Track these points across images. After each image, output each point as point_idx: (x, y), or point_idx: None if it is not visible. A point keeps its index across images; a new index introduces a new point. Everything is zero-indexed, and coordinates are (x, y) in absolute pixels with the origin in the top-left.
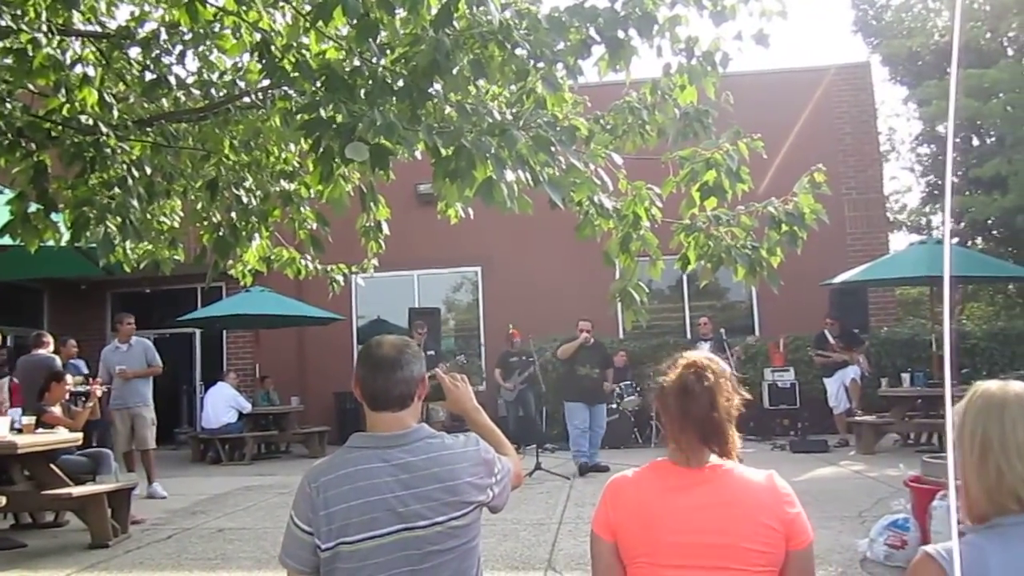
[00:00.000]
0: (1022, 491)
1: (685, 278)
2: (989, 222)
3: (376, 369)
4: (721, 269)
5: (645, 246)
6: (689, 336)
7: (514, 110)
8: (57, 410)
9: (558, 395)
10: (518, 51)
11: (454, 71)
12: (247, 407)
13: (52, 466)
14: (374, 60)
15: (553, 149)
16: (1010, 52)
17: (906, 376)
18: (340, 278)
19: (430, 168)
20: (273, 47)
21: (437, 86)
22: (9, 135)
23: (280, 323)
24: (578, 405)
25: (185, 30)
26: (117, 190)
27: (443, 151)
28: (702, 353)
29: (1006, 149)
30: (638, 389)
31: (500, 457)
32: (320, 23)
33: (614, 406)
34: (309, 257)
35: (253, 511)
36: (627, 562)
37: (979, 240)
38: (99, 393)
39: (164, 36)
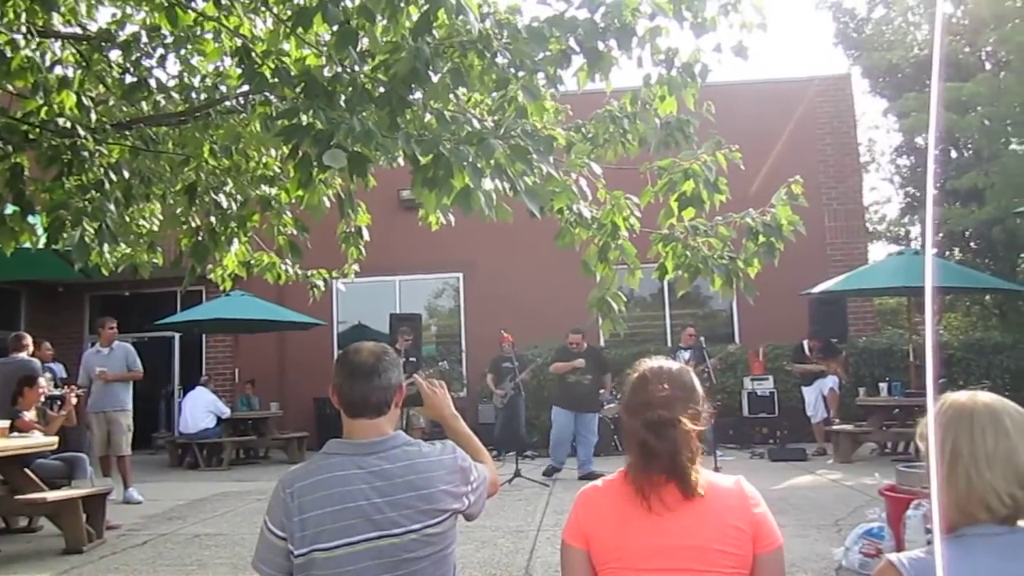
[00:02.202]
0: (991, 500)
1: (666, 286)
2: (966, 234)
3: (353, 376)
4: (700, 279)
5: (623, 255)
6: (670, 344)
7: (495, 118)
8: (31, 415)
9: (538, 402)
10: (498, 60)
11: (434, 79)
12: (226, 412)
13: (26, 470)
14: (354, 67)
15: (531, 158)
16: (987, 66)
17: (883, 386)
18: (320, 283)
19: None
20: (253, 53)
21: (417, 94)
22: None
23: (260, 328)
24: (562, 411)
25: (166, 33)
26: (94, 193)
27: (421, 159)
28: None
29: (983, 162)
30: (618, 397)
31: (476, 465)
32: (300, 29)
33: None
34: (289, 262)
35: (230, 517)
36: (599, 568)
37: (956, 251)
38: (74, 400)
39: (145, 39)
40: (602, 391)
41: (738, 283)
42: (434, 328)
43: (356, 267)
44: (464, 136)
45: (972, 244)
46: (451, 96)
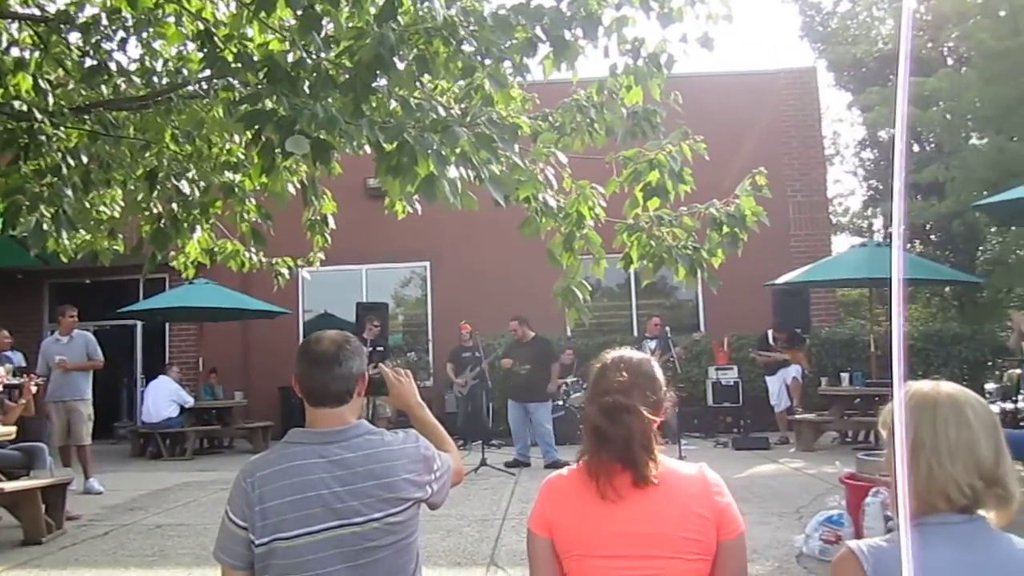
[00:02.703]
0: (951, 491)
1: (633, 276)
2: (927, 227)
3: (314, 365)
4: (664, 269)
5: (588, 245)
6: (636, 333)
7: (463, 105)
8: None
9: (504, 391)
10: (464, 47)
11: (399, 66)
12: (189, 401)
13: None
14: (318, 53)
15: (496, 147)
16: (950, 61)
17: (845, 375)
18: (285, 271)
19: None
20: (215, 37)
21: (382, 81)
22: None
23: (224, 316)
24: (511, 403)
25: (127, 16)
26: (51, 178)
27: (386, 146)
28: (626, 364)
29: (944, 156)
30: (584, 386)
31: (440, 454)
32: (263, 14)
33: (560, 403)
34: (253, 250)
35: (193, 507)
36: (562, 556)
37: (917, 244)
38: (33, 390)
39: (105, 21)
40: (557, 382)
41: (702, 273)
42: (401, 317)
43: (322, 255)
44: (429, 124)
45: (932, 237)
46: (416, 83)
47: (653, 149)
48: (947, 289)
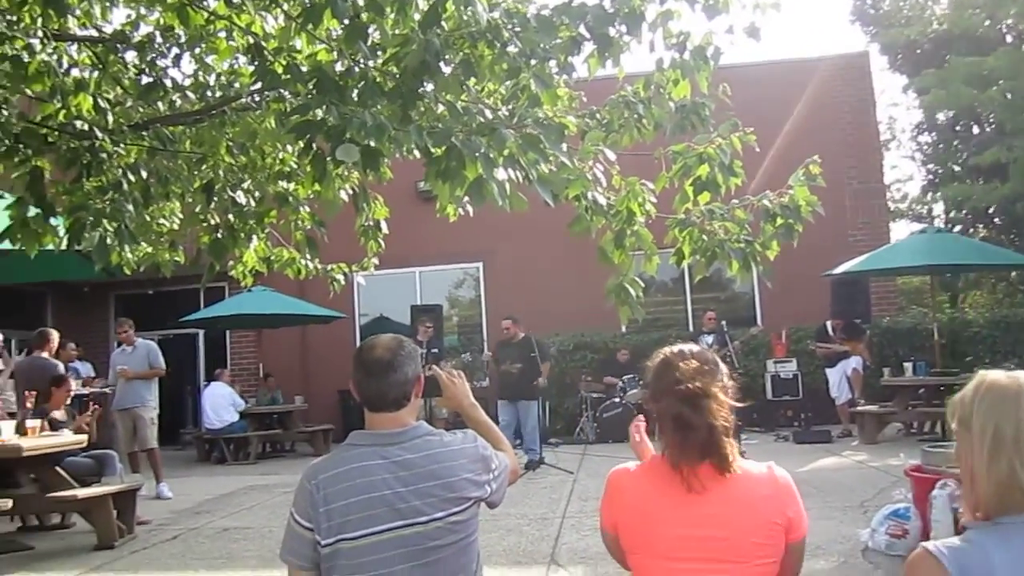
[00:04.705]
0: None
1: (687, 271)
2: (990, 210)
3: (370, 373)
4: (717, 263)
5: (639, 242)
6: (692, 329)
7: (510, 107)
8: (60, 414)
9: (561, 390)
10: (509, 49)
11: (445, 71)
12: (241, 404)
13: (57, 468)
14: (365, 62)
15: (543, 147)
16: (1009, 39)
17: (908, 365)
18: (340, 277)
19: None
20: (265, 50)
21: (429, 86)
22: (6, 141)
23: (282, 322)
24: (502, 402)
25: (180, 33)
26: (113, 194)
27: (434, 151)
28: (691, 353)
29: (1006, 137)
30: (640, 383)
31: (497, 453)
32: (310, 25)
33: (616, 400)
34: (308, 257)
35: (258, 510)
36: (627, 553)
37: (980, 228)
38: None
39: (159, 39)
40: (539, 379)
41: (756, 266)
42: (455, 318)
43: (375, 260)
44: (476, 127)
45: (996, 220)
46: (462, 87)
47: (702, 143)
48: (1013, 274)
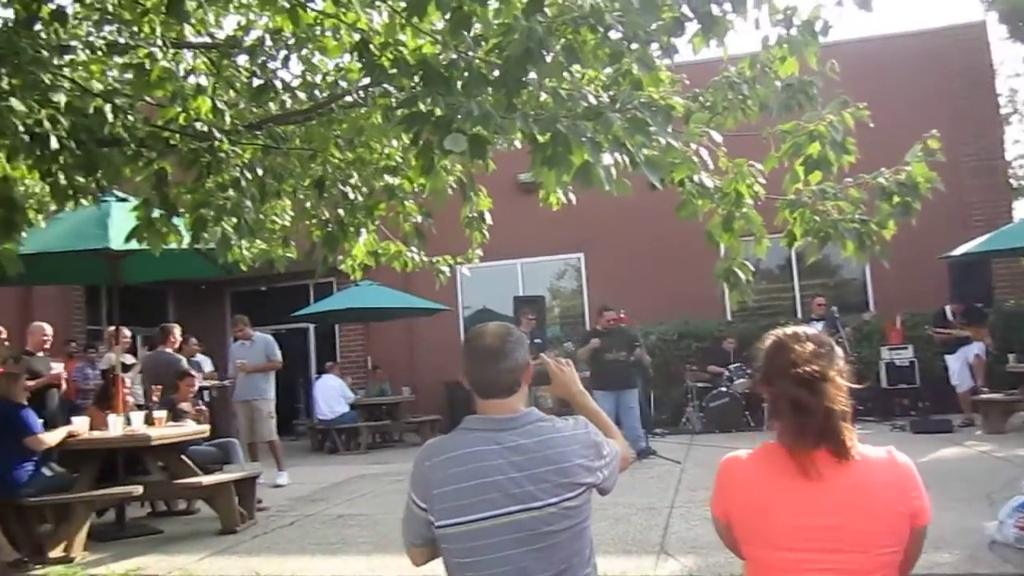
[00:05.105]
0: None
1: (794, 256)
2: None
3: (480, 360)
4: (830, 245)
5: (748, 224)
6: (800, 316)
7: (611, 92)
8: (187, 406)
9: (667, 379)
10: (611, 34)
11: (547, 58)
12: (351, 396)
13: (183, 457)
14: (469, 52)
15: (649, 130)
16: None
17: None
18: (446, 269)
19: (529, 156)
20: (371, 46)
21: (532, 74)
22: (132, 145)
23: (389, 315)
24: (603, 393)
25: (288, 35)
26: (232, 192)
27: (540, 138)
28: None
29: None
30: (747, 372)
31: (608, 440)
32: (415, 19)
33: (723, 389)
34: (415, 249)
35: (370, 498)
36: (740, 542)
37: None
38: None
39: (269, 42)
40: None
41: (872, 247)
42: (557, 309)
43: (480, 251)
44: (581, 112)
45: None
46: (565, 74)
47: (812, 120)
48: None
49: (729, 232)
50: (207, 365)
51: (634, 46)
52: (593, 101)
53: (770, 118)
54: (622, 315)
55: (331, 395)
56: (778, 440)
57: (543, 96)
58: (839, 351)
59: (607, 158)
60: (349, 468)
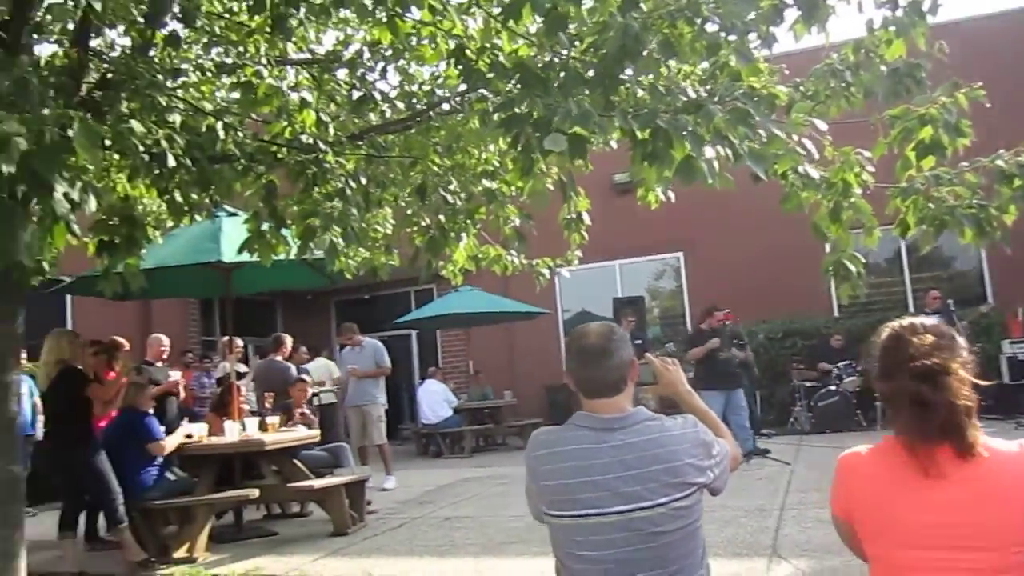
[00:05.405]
0: None
1: (904, 249)
2: None
3: (586, 359)
4: (945, 234)
5: (858, 214)
6: (912, 310)
7: (708, 87)
8: (306, 409)
9: (774, 378)
10: (708, 26)
11: (644, 53)
12: (454, 401)
13: (295, 461)
14: (564, 52)
15: (752, 121)
16: None
17: None
18: (546, 271)
19: (625, 157)
20: (468, 51)
21: (628, 71)
22: (242, 161)
23: (489, 320)
24: (714, 393)
25: (385, 47)
26: (337, 201)
27: (639, 134)
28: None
29: None
30: (857, 369)
31: (718, 439)
32: (511, 22)
33: (832, 388)
34: (515, 253)
35: (476, 501)
36: (864, 542)
37: None
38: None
39: (367, 55)
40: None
41: (992, 233)
42: (656, 310)
43: (578, 253)
44: (681, 106)
45: None
46: (662, 69)
47: (923, 104)
48: None
49: (837, 223)
50: (335, 371)
51: (732, 37)
52: (692, 95)
53: (876, 104)
54: (728, 313)
55: (435, 400)
56: (897, 437)
57: (640, 92)
58: (961, 342)
59: (709, 151)
60: (454, 471)
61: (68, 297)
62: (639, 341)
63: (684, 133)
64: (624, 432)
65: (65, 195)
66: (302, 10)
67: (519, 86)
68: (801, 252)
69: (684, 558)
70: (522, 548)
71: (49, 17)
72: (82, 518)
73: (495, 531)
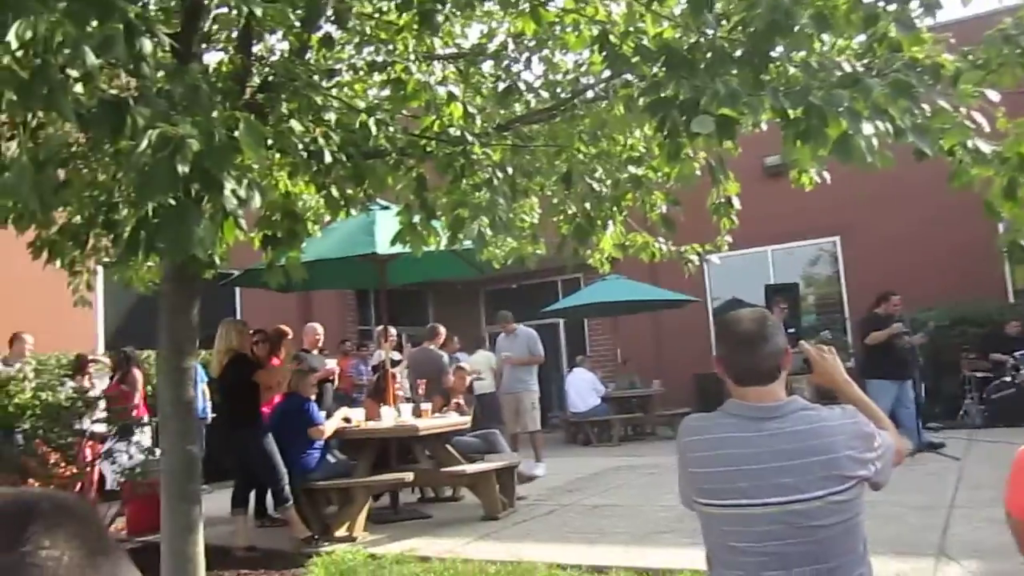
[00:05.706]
0: None
1: None
2: None
3: (740, 346)
4: None
5: None
6: None
7: (865, 61)
8: (461, 400)
9: (938, 368)
10: None
11: (795, 29)
12: (602, 389)
13: (448, 446)
14: (711, 32)
15: (915, 93)
16: None
17: None
18: (694, 258)
19: (776, 140)
20: (612, 36)
21: (779, 48)
22: (394, 155)
23: (637, 308)
24: (888, 383)
25: (529, 37)
26: (485, 192)
27: (791, 113)
28: None
29: None
30: None
31: (880, 431)
32: (655, 5)
33: (1008, 379)
34: (663, 240)
35: (625, 489)
36: None
37: None
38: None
39: (512, 46)
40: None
41: None
42: (811, 297)
43: (729, 238)
44: (836, 80)
45: None
46: (815, 45)
47: None
48: None
49: (1012, 201)
50: (493, 362)
51: (891, 7)
52: (848, 69)
53: None
54: (897, 299)
55: (583, 388)
56: None
57: (792, 70)
58: None
59: (867, 127)
60: (602, 460)
61: (237, 289)
62: (792, 329)
63: (840, 109)
64: (779, 421)
65: (233, 192)
66: (448, 5)
67: (664, 69)
68: (968, 234)
69: (843, 554)
70: (672, 538)
71: (216, 27)
72: (252, 496)
73: (644, 520)
